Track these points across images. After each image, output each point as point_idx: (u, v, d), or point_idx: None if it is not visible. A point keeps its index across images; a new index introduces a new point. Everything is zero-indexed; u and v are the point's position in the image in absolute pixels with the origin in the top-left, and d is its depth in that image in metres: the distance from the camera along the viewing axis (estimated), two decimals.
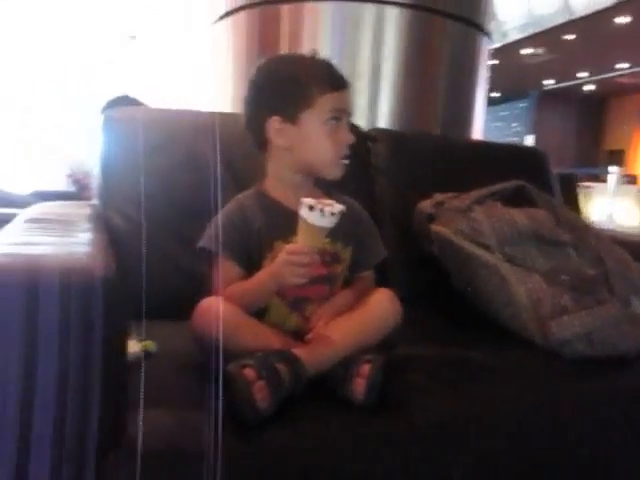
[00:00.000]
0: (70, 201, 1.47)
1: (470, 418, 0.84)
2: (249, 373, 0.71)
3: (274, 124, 0.94)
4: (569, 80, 9.54)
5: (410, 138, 1.58)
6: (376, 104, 1.76)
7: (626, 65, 8.57)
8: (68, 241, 0.76)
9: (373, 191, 1.46)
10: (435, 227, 1.23)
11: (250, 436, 0.69)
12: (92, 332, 0.58)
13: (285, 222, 0.90)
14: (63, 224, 0.92)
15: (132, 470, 0.60)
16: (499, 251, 1.10)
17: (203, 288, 0.90)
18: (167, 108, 1.45)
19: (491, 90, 2.26)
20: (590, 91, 10.22)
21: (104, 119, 1.25)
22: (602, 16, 6.27)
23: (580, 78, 9.48)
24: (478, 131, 2.04)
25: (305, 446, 0.71)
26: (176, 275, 1.16)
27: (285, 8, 1.74)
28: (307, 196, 0.86)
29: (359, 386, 0.77)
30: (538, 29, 6.80)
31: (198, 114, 1.36)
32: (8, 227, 0.88)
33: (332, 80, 0.95)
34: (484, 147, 1.78)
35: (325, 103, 0.93)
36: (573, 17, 6.34)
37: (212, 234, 0.95)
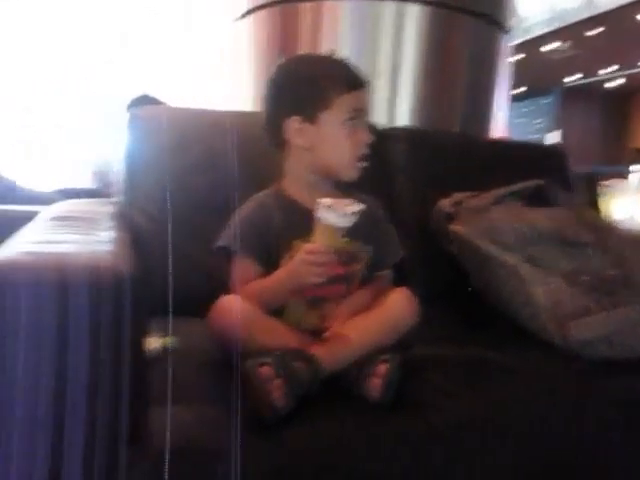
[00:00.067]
0: (94, 198, 1.50)
1: (487, 419, 0.84)
2: (266, 371, 0.72)
3: (293, 124, 0.95)
4: (593, 76, 9.37)
5: (429, 136, 1.57)
6: (395, 102, 1.76)
7: None
8: (92, 239, 0.77)
9: (392, 190, 1.45)
10: (453, 227, 1.22)
11: (267, 434, 0.69)
12: (121, 330, 0.59)
13: (303, 221, 0.91)
14: (87, 222, 0.93)
15: (150, 466, 0.61)
16: (518, 251, 1.09)
17: (222, 286, 0.91)
18: (188, 107, 1.46)
19: (514, 86, 2.24)
20: (615, 87, 10.02)
21: (129, 118, 1.27)
22: (626, 11, 6.14)
23: (605, 74, 9.30)
24: (500, 129, 2.02)
25: (321, 445, 0.72)
26: (196, 273, 1.18)
27: (305, 6, 1.75)
28: (325, 195, 0.86)
29: (376, 385, 0.78)
30: (562, 24, 6.70)
31: (219, 113, 1.37)
32: (32, 225, 0.90)
33: (350, 80, 0.96)
34: (504, 145, 1.77)
35: (343, 103, 0.94)
36: (597, 12, 6.23)
37: (231, 233, 0.96)
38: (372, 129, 1.41)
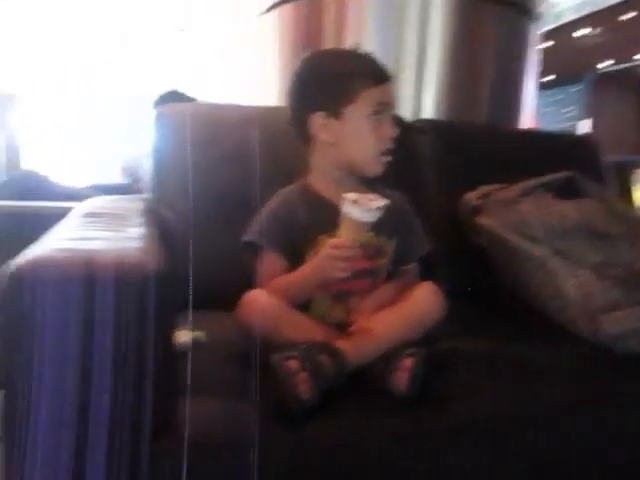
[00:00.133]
0: (124, 195, 1.53)
1: (514, 413, 0.83)
2: (292, 364, 0.73)
3: (318, 119, 0.95)
4: (627, 61, 9.10)
5: (456, 128, 1.56)
6: (422, 94, 1.74)
7: None
8: (122, 236, 0.79)
9: (418, 183, 1.45)
10: (481, 219, 1.21)
11: (292, 427, 0.71)
12: (145, 324, 0.61)
13: (329, 216, 0.91)
14: (118, 218, 0.96)
15: (178, 456, 0.63)
16: (547, 244, 1.08)
17: (249, 281, 0.92)
18: (215, 103, 1.48)
19: (544, 74, 2.20)
20: None
21: (155, 115, 1.29)
22: None
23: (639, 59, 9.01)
24: (528, 119, 1.99)
25: (346, 439, 0.72)
26: (225, 267, 1.19)
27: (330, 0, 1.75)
28: (350, 190, 0.87)
29: (401, 379, 0.78)
30: (593, 9, 6.52)
31: (245, 108, 1.38)
32: (65, 221, 0.93)
33: (375, 74, 0.95)
34: (533, 136, 1.73)
35: (368, 97, 0.94)
36: None
37: (257, 228, 0.97)
38: (398, 121, 1.42)
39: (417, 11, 1.70)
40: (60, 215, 0.99)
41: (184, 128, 1.22)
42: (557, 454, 0.84)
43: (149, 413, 0.61)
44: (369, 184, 1.03)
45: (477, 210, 1.25)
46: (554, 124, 9.16)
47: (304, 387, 0.72)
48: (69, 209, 1.08)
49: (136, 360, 0.60)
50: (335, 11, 1.75)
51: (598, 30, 7.30)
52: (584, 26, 7.17)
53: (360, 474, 0.71)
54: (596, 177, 1.55)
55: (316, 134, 0.97)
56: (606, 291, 1.00)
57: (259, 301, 0.86)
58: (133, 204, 1.16)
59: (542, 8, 1.99)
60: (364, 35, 1.71)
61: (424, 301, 0.92)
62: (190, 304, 0.82)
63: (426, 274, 1.06)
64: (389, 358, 0.81)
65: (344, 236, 0.84)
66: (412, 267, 1.05)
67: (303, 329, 0.86)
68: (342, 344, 0.82)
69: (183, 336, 0.91)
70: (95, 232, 0.81)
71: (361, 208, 0.81)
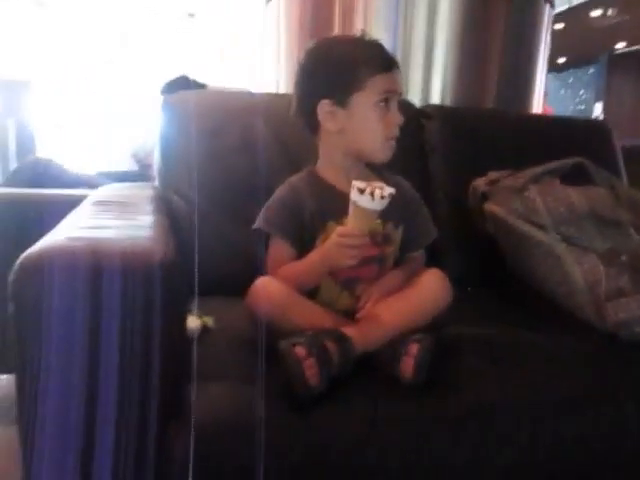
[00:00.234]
0: (134, 182, 1.54)
1: (519, 400, 0.83)
2: (300, 351, 0.74)
3: (324, 107, 0.95)
4: None
5: (465, 114, 1.55)
6: (431, 79, 1.73)
7: None
8: (132, 224, 0.81)
9: (427, 169, 1.45)
10: (489, 206, 1.21)
11: (300, 412, 0.72)
12: (152, 311, 0.62)
13: (337, 204, 0.92)
14: (128, 206, 0.97)
15: (187, 440, 0.64)
16: (555, 231, 1.07)
17: (258, 268, 0.93)
18: (223, 90, 1.48)
19: (557, 56, 2.17)
20: None
21: (161, 103, 1.30)
22: None
23: None
24: (540, 102, 1.97)
25: (353, 423, 0.74)
26: (234, 254, 1.20)
27: None
28: (358, 177, 0.87)
29: (407, 366, 0.79)
30: None
31: (253, 96, 1.38)
32: (78, 210, 0.94)
33: (381, 61, 0.95)
34: (543, 121, 1.72)
35: (375, 85, 0.93)
36: None
37: (266, 216, 0.98)
38: (407, 107, 1.41)
39: None
40: (69, 202, 1.01)
41: (190, 116, 1.22)
42: (568, 439, 0.84)
43: (156, 399, 0.62)
44: (377, 171, 1.03)
45: (485, 197, 1.25)
46: (569, 106, 9.03)
47: (311, 373, 0.73)
48: (79, 196, 1.10)
49: (143, 347, 0.62)
50: None
51: (613, 10, 7.16)
52: (598, 6, 7.03)
53: (366, 458, 0.73)
54: (609, 162, 1.54)
55: (322, 122, 0.97)
56: (613, 278, 1.00)
57: (268, 288, 0.87)
58: (143, 192, 1.17)
59: None
60: (372, 20, 1.70)
61: (431, 288, 0.92)
62: (196, 291, 0.84)
63: (433, 261, 1.07)
64: (396, 344, 0.82)
65: (352, 224, 0.85)
66: (419, 254, 1.06)
67: (311, 316, 0.87)
68: (349, 331, 0.83)
69: (193, 322, 0.92)
70: (106, 221, 0.82)
71: (369, 196, 0.81)
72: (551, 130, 1.59)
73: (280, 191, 1.01)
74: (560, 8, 5.21)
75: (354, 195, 0.82)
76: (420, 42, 1.70)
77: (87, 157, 5.27)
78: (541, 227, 1.09)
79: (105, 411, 0.60)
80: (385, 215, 0.90)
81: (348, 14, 1.74)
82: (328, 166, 1.01)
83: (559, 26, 6.12)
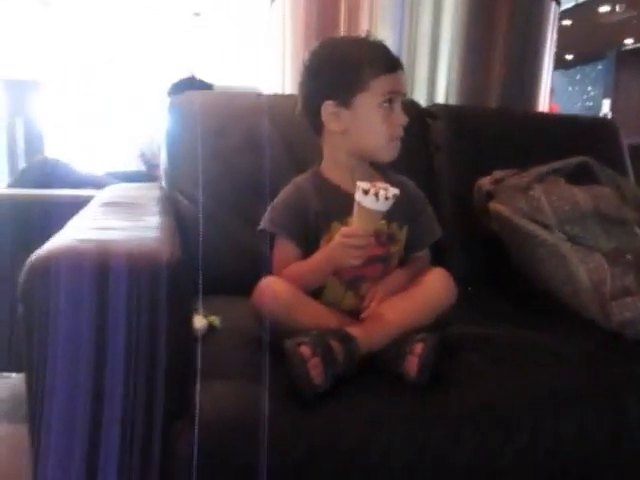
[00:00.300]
0: (141, 183, 1.56)
1: (524, 400, 0.84)
2: (305, 350, 0.75)
3: (328, 108, 0.95)
4: None
5: (470, 113, 1.55)
6: (436, 78, 1.73)
7: None
8: (139, 225, 0.82)
9: (432, 168, 1.45)
10: (494, 205, 1.21)
11: (305, 411, 0.73)
12: (158, 311, 0.63)
13: (341, 204, 0.92)
14: (135, 207, 0.98)
15: (195, 439, 0.65)
16: (559, 230, 1.08)
17: (263, 268, 0.94)
18: (228, 91, 1.49)
19: (565, 52, 2.16)
20: None
21: (168, 105, 1.31)
22: None
23: None
24: (546, 100, 1.97)
25: (357, 422, 0.75)
26: (240, 253, 1.21)
27: None
28: (363, 178, 0.88)
29: (412, 365, 0.79)
30: None
31: (258, 96, 1.39)
32: (86, 210, 0.96)
33: (385, 62, 0.95)
34: (549, 120, 1.71)
35: (379, 85, 0.94)
36: None
37: (271, 217, 0.99)
38: (412, 107, 1.42)
39: None
40: (77, 202, 1.02)
41: (196, 117, 1.23)
42: (571, 439, 0.84)
43: (162, 398, 0.63)
44: (381, 171, 1.03)
45: (490, 196, 1.25)
46: (577, 103, 8.98)
47: (316, 372, 0.74)
48: (86, 197, 1.11)
49: (149, 347, 0.63)
50: None
51: (621, 6, 7.10)
52: (606, 2, 6.97)
53: (368, 457, 0.73)
54: (615, 161, 1.54)
55: (326, 123, 0.97)
56: (618, 277, 1.00)
57: (273, 288, 0.88)
58: (150, 192, 1.18)
59: None
60: (378, 20, 1.70)
61: (435, 287, 0.93)
62: (200, 290, 0.84)
63: (438, 259, 1.07)
64: (400, 343, 0.83)
65: (356, 224, 0.85)
66: (424, 253, 1.06)
67: (316, 315, 0.88)
68: (353, 330, 0.83)
69: (199, 321, 0.93)
70: (113, 221, 0.83)
71: (373, 197, 0.81)
72: (557, 129, 1.58)
73: (285, 191, 1.02)
74: (567, 5, 5.18)
75: (358, 196, 0.83)
76: (426, 41, 1.70)
77: (95, 156, 5.30)
78: (546, 226, 1.09)
79: (111, 410, 0.61)
80: (390, 215, 0.90)
81: (354, 14, 1.74)
82: (333, 166, 1.02)
83: (567, 23, 6.09)
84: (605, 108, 8.54)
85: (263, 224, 0.99)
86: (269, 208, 1.00)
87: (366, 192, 0.82)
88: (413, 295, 0.91)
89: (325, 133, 1.00)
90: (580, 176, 1.19)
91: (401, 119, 0.96)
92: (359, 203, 0.83)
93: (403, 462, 0.74)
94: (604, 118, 3.16)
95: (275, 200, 1.01)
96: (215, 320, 0.98)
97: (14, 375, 1.77)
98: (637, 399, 0.88)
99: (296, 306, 0.87)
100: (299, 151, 1.24)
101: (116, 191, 1.20)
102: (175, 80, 2.24)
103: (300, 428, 0.72)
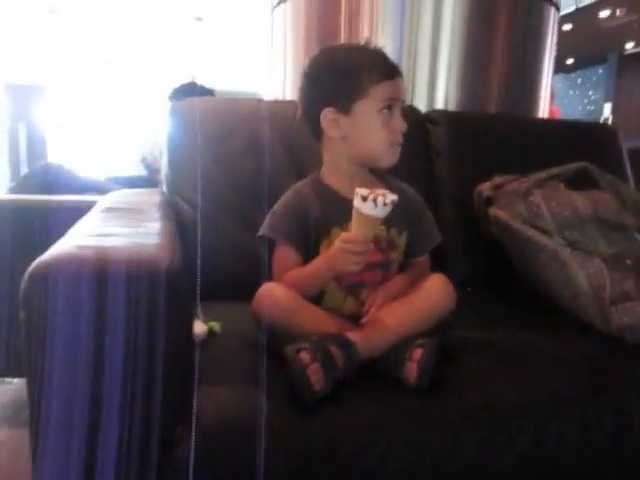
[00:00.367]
0: (142, 188, 1.56)
1: (524, 402, 0.84)
2: (305, 356, 0.75)
3: (328, 115, 0.96)
4: None
5: (470, 119, 1.56)
6: (436, 84, 1.73)
7: None
8: (140, 231, 0.82)
9: (432, 174, 1.46)
10: (493, 211, 1.22)
11: (305, 416, 0.73)
12: (157, 318, 0.63)
13: (341, 209, 0.93)
14: (136, 213, 0.99)
15: (196, 444, 0.66)
16: (559, 235, 1.08)
17: (264, 273, 0.95)
18: (229, 97, 1.50)
19: (566, 56, 2.17)
20: None
21: (169, 110, 1.32)
22: None
23: None
24: (546, 105, 1.97)
25: (356, 426, 0.75)
26: (241, 258, 1.22)
27: None
28: (362, 183, 0.88)
29: (411, 370, 0.80)
30: None
31: (258, 102, 1.40)
32: (88, 216, 0.96)
33: (384, 69, 0.96)
34: (549, 125, 1.72)
35: (378, 92, 0.94)
36: None
37: (271, 222, 0.99)
38: (412, 112, 1.42)
39: (431, 1, 1.68)
40: (79, 208, 1.03)
41: (197, 122, 1.24)
42: (570, 442, 0.84)
43: (160, 403, 0.63)
44: (381, 176, 1.04)
45: (490, 201, 1.25)
46: (578, 107, 8.97)
47: (316, 378, 0.74)
48: (88, 202, 1.12)
49: (147, 353, 0.63)
50: (349, 2, 1.75)
51: (622, 10, 7.11)
52: (607, 6, 6.98)
53: (368, 461, 0.74)
54: (615, 166, 1.54)
55: (326, 129, 0.98)
56: (617, 282, 1.00)
57: (273, 293, 0.88)
58: (151, 198, 1.19)
59: None
60: (378, 26, 1.71)
61: (435, 293, 0.93)
62: (198, 296, 0.85)
63: (439, 264, 1.08)
64: (400, 349, 0.83)
65: (355, 231, 0.86)
66: (424, 259, 1.07)
67: (316, 321, 0.88)
68: (353, 336, 0.84)
69: (198, 327, 0.94)
70: (114, 228, 0.84)
71: (372, 203, 0.82)
72: (557, 134, 1.59)
73: (286, 197, 1.02)
74: (568, 9, 5.19)
75: (357, 202, 0.83)
76: (425, 47, 1.71)
77: (97, 161, 5.32)
78: (545, 232, 1.10)
79: (109, 415, 0.61)
80: (389, 221, 0.90)
81: (354, 20, 1.75)
82: (332, 172, 1.02)
83: (567, 27, 6.10)
84: (606, 112, 8.54)
85: (263, 230, 1.00)
86: (269, 214, 1.01)
87: (364, 198, 0.82)
88: (413, 301, 0.92)
89: (325, 139, 1.00)
90: (580, 181, 1.19)
91: (400, 125, 0.97)
92: (358, 209, 0.84)
93: (402, 465, 0.74)
94: (603, 123, 3.16)
95: (275, 205, 1.01)
96: (216, 326, 0.98)
97: (16, 380, 1.78)
98: (638, 401, 0.88)
99: (296, 311, 0.87)
100: (299, 157, 1.25)
101: (118, 197, 1.20)
102: (176, 85, 2.25)
103: (300, 433, 0.72)
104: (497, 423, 0.81)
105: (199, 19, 5.81)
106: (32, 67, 6.14)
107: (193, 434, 0.64)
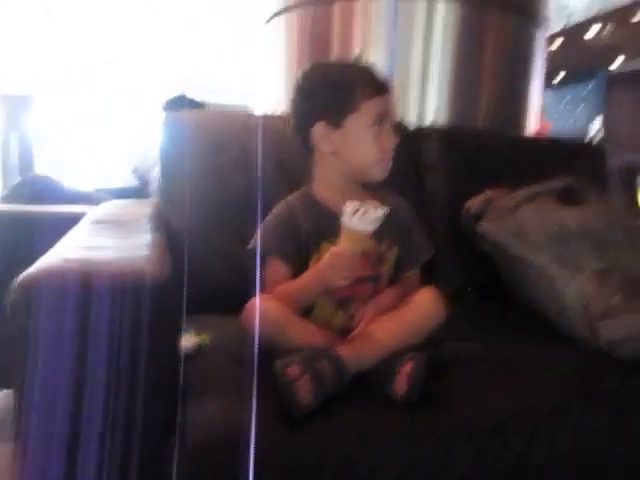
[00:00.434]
0: (134, 198, 1.56)
1: (513, 416, 0.84)
2: (293, 371, 0.75)
3: (319, 129, 0.97)
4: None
5: (460, 135, 1.57)
6: (426, 100, 1.75)
7: None
8: (128, 244, 0.82)
9: (423, 189, 1.46)
10: (482, 226, 1.22)
11: (294, 430, 0.73)
12: (141, 331, 0.63)
13: (331, 224, 0.93)
14: (126, 225, 0.98)
15: (184, 458, 0.65)
16: (548, 251, 1.09)
17: (254, 287, 0.94)
18: (221, 110, 1.50)
19: (555, 72, 2.21)
20: None
21: (162, 122, 1.32)
22: None
23: None
24: (536, 122, 2.00)
25: (346, 439, 0.74)
26: (231, 271, 1.21)
27: (336, 6, 1.76)
28: (353, 198, 0.89)
29: (401, 384, 0.80)
30: (608, 5, 6.46)
31: (250, 116, 1.40)
32: (77, 228, 0.95)
33: (375, 85, 0.97)
34: (537, 142, 1.74)
35: (369, 107, 0.95)
36: None
37: (261, 235, 0.99)
38: (401, 128, 1.43)
39: (422, 19, 1.71)
40: (68, 219, 1.02)
41: (189, 136, 1.24)
42: (559, 455, 0.85)
43: (141, 420, 0.63)
44: (372, 191, 1.04)
45: (478, 217, 1.26)
46: (568, 123, 9.06)
47: (304, 393, 0.74)
48: (78, 213, 1.11)
49: (131, 367, 0.62)
50: (341, 18, 1.76)
51: (611, 27, 7.21)
52: (595, 25, 7.09)
53: (358, 474, 0.73)
54: (601, 182, 1.56)
55: (317, 144, 0.98)
56: (606, 298, 1.01)
57: (262, 307, 0.88)
58: (142, 209, 1.18)
59: (550, 12, 1.99)
60: (370, 42, 1.72)
61: (424, 307, 0.93)
62: (184, 309, 0.84)
63: (431, 277, 1.08)
64: (389, 362, 0.83)
65: (344, 245, 0.86)
66: (414, 273, 1.07)
67: (306, 335, 0.88)
68: (342, 350, 0.83)
69: (186, 340, 0.93)
70: (103, 240, 0.84)
71: (360, 219, 0.82)
72: (545, 151, 1.61)
73: (277, 209, 1.02)
74: (558, 26, 5.27)
75: (345, 217, 0.84)
76: (416, 64, 1.73)
77: (88, 171, 5.30)
78: (534, 247, 1.10)
79: (89, 430, 0.61)
80: (380, 235, 0.91)
81: (346, 36, 1.77)
82: (323, 186, 1.03)
83: (557, 43, 6.19)
84: (596, 126, 8.63)
85: (253, 243, 1.00)
86: (260, 226, 1.01)
87: (354, 213, 0.83)
88: (402, 315, 0.91)
89: (316, 154, 1.01)
90: (569, 197, 1.20)
91: (391, 140, 0.97)
92: (346, 224, 0.84)
93: (394, 477, 0.74)
94: (590, 141, 3.21)
95: (266, 218, 1.01)
96: (205, 338, 0.98)
97: (4, 391, 1.75)
98: (630, 409, 0.89)
99: (286, 325, 0.87)
100: (291, 170, 1.25)
101: (109, 208, 1.20)
102: (169, 97, 2.26)
103: (289, 447, 0.72)
104: (491, 433, 0.81)
105: (195, 27, 5.82)
106: (24, 77, 6.13)
107: (176, 449, 0.63)
